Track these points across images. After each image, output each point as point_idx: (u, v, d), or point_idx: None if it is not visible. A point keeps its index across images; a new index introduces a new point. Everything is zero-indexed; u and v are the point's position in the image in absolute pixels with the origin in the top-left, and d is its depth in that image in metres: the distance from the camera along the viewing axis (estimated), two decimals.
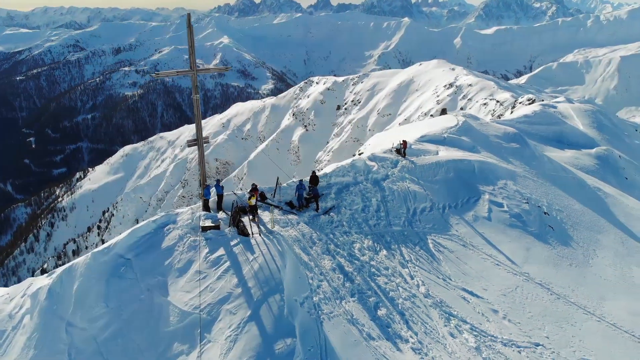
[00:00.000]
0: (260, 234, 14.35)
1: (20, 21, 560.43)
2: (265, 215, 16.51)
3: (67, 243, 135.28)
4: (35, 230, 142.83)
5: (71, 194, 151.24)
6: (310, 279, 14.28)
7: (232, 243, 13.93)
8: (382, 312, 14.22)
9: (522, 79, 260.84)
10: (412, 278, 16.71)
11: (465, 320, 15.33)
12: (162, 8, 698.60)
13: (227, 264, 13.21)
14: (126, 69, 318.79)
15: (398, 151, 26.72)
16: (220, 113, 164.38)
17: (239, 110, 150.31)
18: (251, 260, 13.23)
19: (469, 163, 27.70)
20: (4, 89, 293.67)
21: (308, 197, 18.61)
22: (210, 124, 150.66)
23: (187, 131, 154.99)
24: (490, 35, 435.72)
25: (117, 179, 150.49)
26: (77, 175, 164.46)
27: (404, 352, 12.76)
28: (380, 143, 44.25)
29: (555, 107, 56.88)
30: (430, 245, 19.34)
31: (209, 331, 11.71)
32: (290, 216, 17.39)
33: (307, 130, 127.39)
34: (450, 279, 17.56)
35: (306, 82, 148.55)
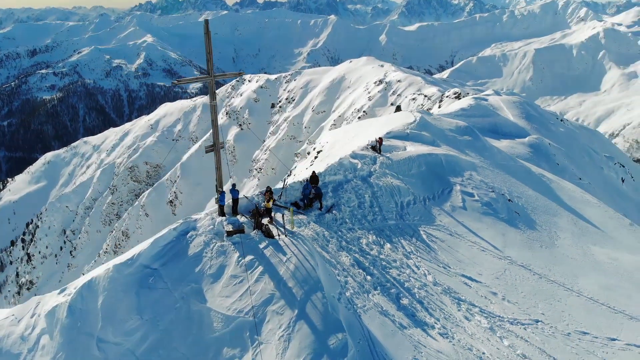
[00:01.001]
0: (286, 235, 14.59)
1: None
2: (276, 217, 16.69)
3: None
4: None
5: None
6: (337, 275, 14.78)
7: (261, 246, 14.08)
8: (404, 301, 15.05)
9: (445, 74, 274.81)
10: (418, 268, 17.70)
11: (473, 304, 16.54)
12: (79, 7, 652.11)
13: (262, 266, 13.37)
14: (43, 71, 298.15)
15: (374, 148, 27.72)
16: (147, 114, 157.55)
17: (167, 110, 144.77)
18: (285, 261, 13.49)
19: (436, 157, 29.32)
20: None
21: (312, 197, 19.02)
22: (138, 125, 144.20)
23: (113, 135, 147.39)
24: (413, 31, 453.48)
25: (39, 188, 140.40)
26: None
27: (435, 339, 13.66)
28: (338, 140, 45.30)
29: (486, 100, 60.66)
30: (424, 237, 20.49)
31: (259, 333, 11.88)
32: (300, 216, 17.74)
33: (242, 129, 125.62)
34: (449, 267, 18.78)
35: (237, 81, 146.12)
